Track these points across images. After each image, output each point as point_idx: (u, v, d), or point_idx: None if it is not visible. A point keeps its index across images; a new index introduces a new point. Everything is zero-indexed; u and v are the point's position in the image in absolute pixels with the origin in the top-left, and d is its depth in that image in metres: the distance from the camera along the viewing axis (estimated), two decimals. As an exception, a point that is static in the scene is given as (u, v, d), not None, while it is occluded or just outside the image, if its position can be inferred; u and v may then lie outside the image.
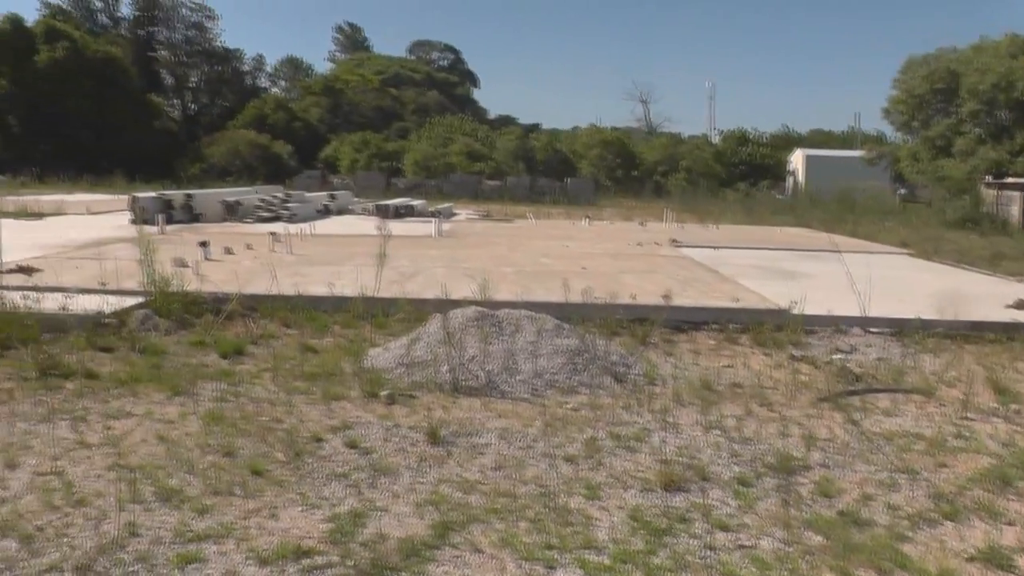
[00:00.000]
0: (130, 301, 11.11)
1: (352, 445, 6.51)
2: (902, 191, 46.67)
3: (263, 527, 5.08)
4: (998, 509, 5.60)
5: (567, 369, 8.36)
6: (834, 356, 9.80)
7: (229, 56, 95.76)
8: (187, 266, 13.98)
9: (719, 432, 7.06)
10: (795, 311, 11.28)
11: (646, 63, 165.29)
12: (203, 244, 16.30)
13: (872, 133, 66.04)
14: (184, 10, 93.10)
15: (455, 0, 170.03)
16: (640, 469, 6.14)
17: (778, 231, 28.65)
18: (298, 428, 6.86)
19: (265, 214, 27.92)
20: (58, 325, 9.78)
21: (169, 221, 24.23)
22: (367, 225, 25.98)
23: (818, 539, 5.07)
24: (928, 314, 11.39)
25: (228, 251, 17.04)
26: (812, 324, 11.21)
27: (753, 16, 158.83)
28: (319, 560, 4.69)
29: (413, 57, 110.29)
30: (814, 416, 7.57)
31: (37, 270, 13.47)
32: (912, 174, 41.86)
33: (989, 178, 33.76)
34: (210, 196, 29.48)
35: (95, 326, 9.93)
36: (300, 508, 5.37)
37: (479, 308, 9.26)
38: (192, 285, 11.74)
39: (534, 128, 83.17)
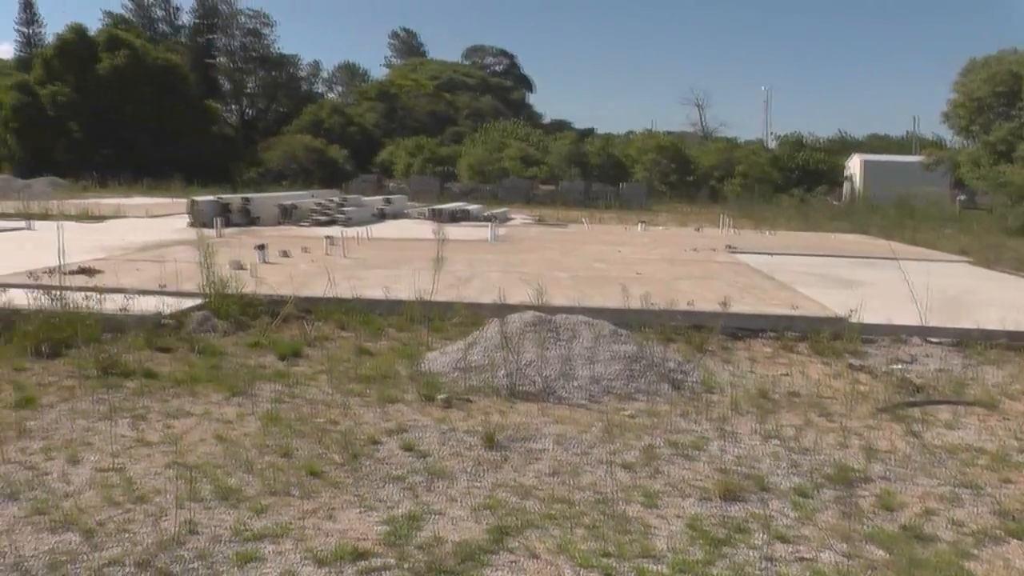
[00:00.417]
0: (188, 303, 11.24)
1: (408, 448, 6.52)
2: (962, 197, 45.86)
3: (320, 528, 5.11)
4: (1065, 526, 5.45)
5: (624, 375, 8.31)
6: (893, 366, 9.65)
7: (285, 62, 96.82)
8: (244, 269, 14.12)
9: (777, 441, 6.96)
10: (853, 319, 11.11)
11: (701, 67, 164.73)
12: (260, 247, 16.45)
13: (931, 138, 65.04)
14: (242, 17, 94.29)
15: (510, 5, 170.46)
16: (698, 478, 6.08)
17: (834, 237, 28.30)
18: (354, 430, 6.88)
19: (321, 218, 28.11)
20: (118, 325, 9.92)
21: (226, 224, 24.48)
22: (422, 229, 26.12)
23: (880, 553, 4.97)
24: (989, 324, 11.15)
25: (284, 254, 17.18)
26: (870, 333, 11.04)
27: (809, 18, 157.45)
28: (376, 562, 4.69)
29: (468, 62, 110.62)
30: (874, 427, 7.44)
31: (98, 271, 13.68)
32: (972, 180, 41.01)
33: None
34: (267, 200, 29.77)
35: (154, 327, 10.06)
36: (357, 510, 5.38)
37: (536, 313, 9.24)
38: (249, 287, 11.85)
39: (588, 133, 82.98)
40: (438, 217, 31.22)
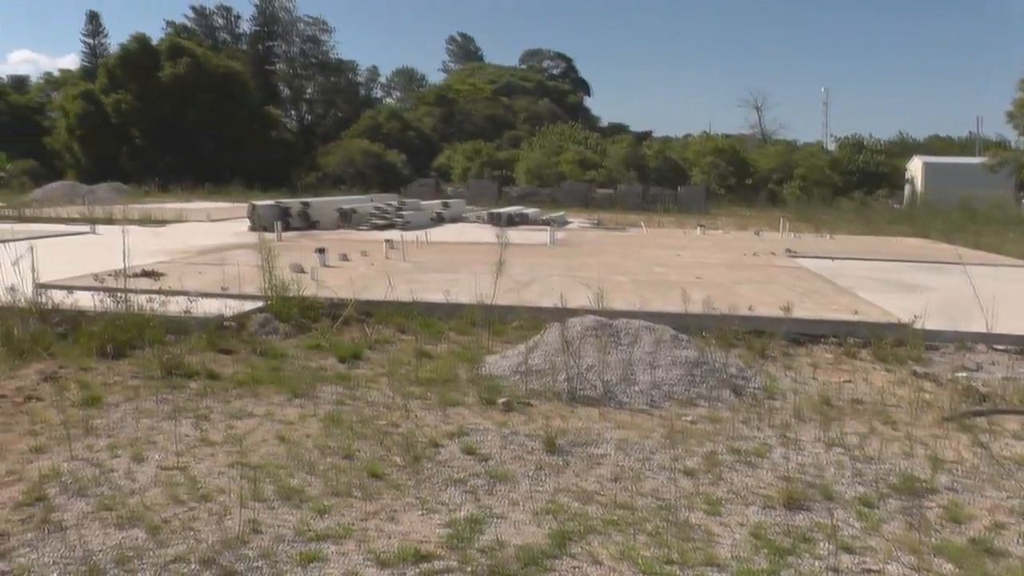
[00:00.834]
0: (250, 305, 11.37)
1: (469, 451, 6.53)
2: (1028, 199, 45.08)
3: (382, 529, 5.13)
4: None
5: (685, 381, 8.26)
6: (959, 374, 9.45)
7: (343, 68, 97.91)
8: (304, 272, 14.24)
9: (841, 450, 6.85)
10: (916, 325, 10.90)
11: (759, 68, 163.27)
12: (320, 251, 16.59)
13: (994, 138, 63.99)
14: (301, 24, 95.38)
15: (567, 9, 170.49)
16: (761, 485, 6.01)
17: (895, 241, 27.88)
18: (415, 433, 6.90)
19: (379, 221, 28.29)
20: (181, 327, 10.06)
21: (286, 228, 24.73)
22: (480, 233, 26.18)
23: (949, 567, 4.86)
24: (1059, 331, 10.93)
25: (344, 258, 17.31)
26: (934, 339, 10.82)
27: (868, 18, 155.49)
28: (438, 564, 4.70)
29: (525, 66, 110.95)
30: (939, 436, 7.26)
31: (161, 274, 13.88)
32: (1038, 181, 40.34)
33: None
34: (326, 204, 30.05)
35: (217, 329, 10.18)
36: (419, 512, 5.39)
37: (597, 317, 9.21)
38: (309, 290, 11.95)
39: (646, 136, 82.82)
40: (496, 221, 31.27)
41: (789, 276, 16.61)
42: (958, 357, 10.36)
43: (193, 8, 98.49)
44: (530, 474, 6.10)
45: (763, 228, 32.71)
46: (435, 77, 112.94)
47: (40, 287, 10.64)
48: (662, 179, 59.41)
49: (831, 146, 70.21)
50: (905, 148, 64.81)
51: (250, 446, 6.51)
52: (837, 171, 60.34)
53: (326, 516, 5.28)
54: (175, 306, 10.39)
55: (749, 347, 10.23)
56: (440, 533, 5.08)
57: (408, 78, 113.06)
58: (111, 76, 68.58)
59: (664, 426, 7.28)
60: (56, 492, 5.56)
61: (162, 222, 28.92)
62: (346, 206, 29.50)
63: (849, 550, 5.03)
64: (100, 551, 4.76)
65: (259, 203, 28.27)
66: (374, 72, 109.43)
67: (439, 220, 32.31)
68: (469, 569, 4.65)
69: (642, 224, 34.46)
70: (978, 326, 11.07)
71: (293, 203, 28.49)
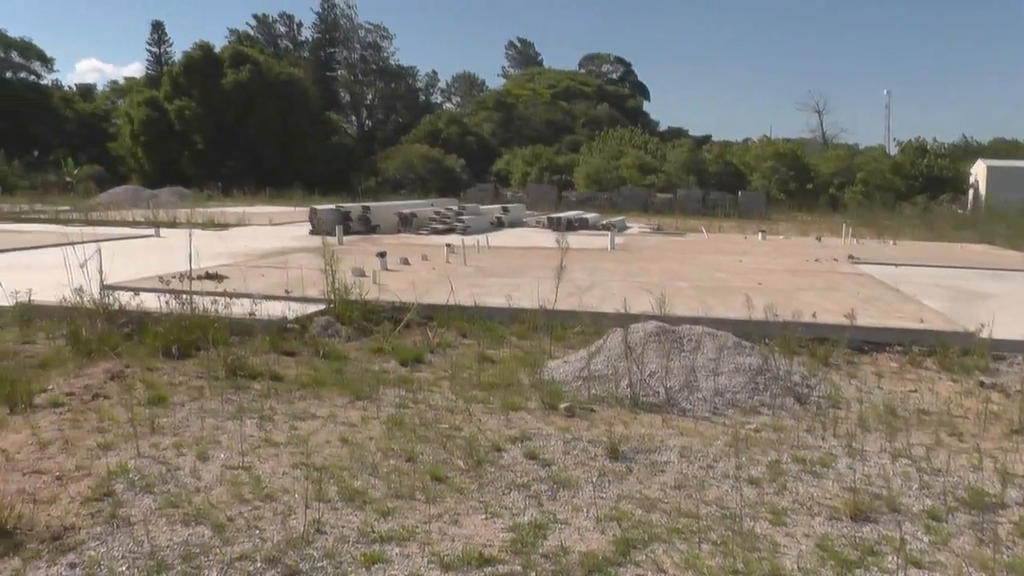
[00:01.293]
0: (312, 308, 11.49)
1: (532, 456, 6.52)
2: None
3: (445, 532, 5.14)
4: None
5: (748, 388, 8.18)
6: (1029, 384, 9.28)
7: (403, 73, 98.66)
8: (365, 275, 14.35)
9: (907, 461, 6.72)
10: (983, 334, 10.71)
11: (819, 72, 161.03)
12: (381, 255, 16.70)
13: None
14: (361, 31, 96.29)
15: (626, 13, 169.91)
16: (826, 496, 5.93)
17: (959, 248, 27.46)
18: (477, 436, 6.91)
19: (439, 226, 28.43)
20: (244, 329, 10.19)
21: (346, 232, 24.95)
22: (540, 238, 26.20)
23: (1022, 583, 4.78)
24: None
25: (404, 261, 17.41)
26: (1001, 349, 10.60)
27: (930, 18, 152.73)
28: (501, 569, 4.70)
29: (584, 71, 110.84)
30: (1009, 449, 7.07)
31: (224, 277, 14.07)
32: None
33: None
34: (386, 208, 30.25)
35: (279, 331, 10.29)
36: (482, 516, 5.40)
37: (659, 323, 9.16)
38: (371, 294, 12.05)
39: (705, 140, 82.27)
40: (556, 226, 31.26)
41: (852, 283, 16.42)
42: (1027, 367, 10.16)
43: (255, 16, 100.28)
44: (593, 480, 6.08)
45: (824, 233, 32.36)
46: (494, 82, 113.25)
47: (107, 288, 10.82)
48: (722, 184, 58.97)
49: (893, 150, 69.20)
50: (969, 151, 63.49)
51: (313, 447, 6.56)
52: (899, 175, 59.42)
53: (389, 518, 5.31)
54: (239, 308, 10.51)
55: (812, 355, 10.11)
56: (503, 537, 5.08)
57: (467, 83, 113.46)
58: (175, 83, 69.86)
59: (727, 434, 7.21)
60: (123, 488, 5.66)
61: (224, 226, 29.32)
62: (406, 210, 29.69)
63: (918, 565, 4.93)
64: (167, 547, 4.84)
65: (320, 207, 28.57)
66: (433, 77, 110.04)
67: (499, 224, 32.39)
68: (533, 574, 4.65)
69: (702, 229, 34.25)
70: (1049, 336, 10.85)
71: (353, 207, 28.73)
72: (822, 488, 6.09)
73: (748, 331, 10.06)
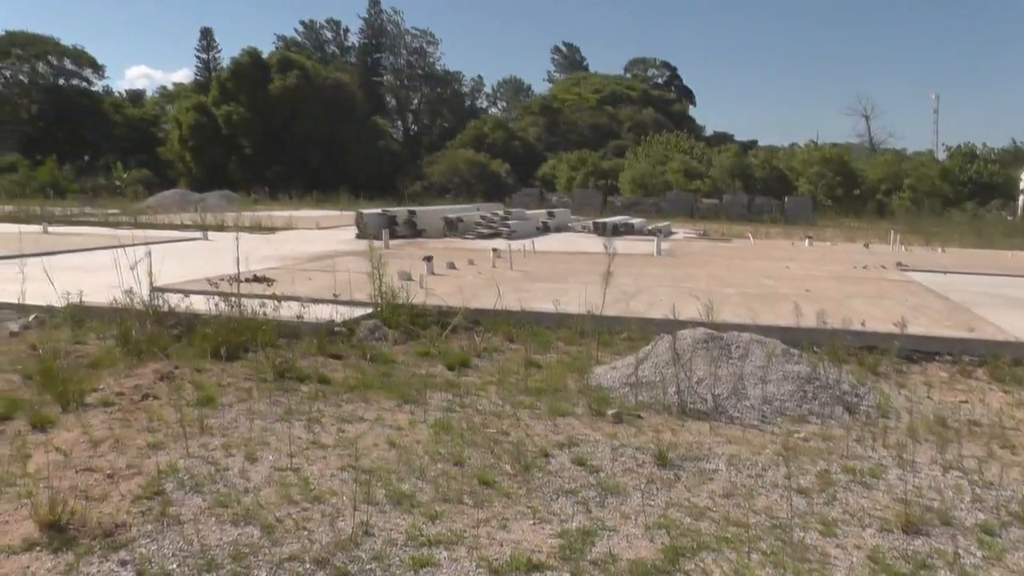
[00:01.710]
0: (359, 311, 11.54)
1: (580, 462, 6.51)
2: None
3: (493, 537, 5.15)
4: None
5: (797, 396, 8.11)
6: (1083, 396, 9.12)
7: (449, 78, 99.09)
8: (412, 280, 14.40)
9: (959, 473, 6.62)
10: (1037, 344, 10.56)
11: (867, 76, 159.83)
12: (427, 259, 16.74)
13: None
14: (408, 36, 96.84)
15: (672, 18, 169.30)
16: (877, 507, 5.86)
17: (1009, 255, 27.01)
18: (525, 442, 6.91)
19: (485, 230, 28.49)
20: (292, 331, 10.28)
21: (393, 236, 25.06)
22: (586, 242, 26.18)
23: (1077, 600, 4.70)
24: None
25: (451, 266, 17.45)
26: (1055, 359, 10.47)
27: (978, 20, 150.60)
28: (550, 575, 4.70)
29: (629, 75, 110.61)
30: (1064, 462, 7.02)
31: (272, 280, 14.20)
32: None
33: None
34: (432, 212, 30.38)
35: (327, 334, 10.33)
36: (530, 521, 5.39)
37: (707, 330, 9.11)
38: (418, 298, 12.07)
39: (751, 145, 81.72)
40: (601, 231, 31.23)
41: (901, 290, 16.23)
42: (1082, 378, 9.98)
43: (303, 22, 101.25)
44: (641, 487, 6.06)
45: (872, 240, 32.02)
46: (540, 87, 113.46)
47: (156, 290, 10.94)
48: (768, 189, 58.59)
49: (942, 155, 68.25)
50: (1019, 157, 62.56)
51: (361, 450, 6.59)
52: (948, 181, 58.56)
53: (437, 522, 5.32)
54: (287, 311, 10.60)
55: (861, 363, 9.99)
56: (552, 543, 5.07)
57: (513, 88, 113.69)
58: (223, 89, 70.74)
59: (776, 442, 7.16)
60: (173, 487, 5.73)
61: (271, 229, 29.58)
62: (452, 215, 29.77)
63: (972, 579, 4.87)
64: (216, 546, 4.89)
65: (366, 211, 28.74)
66: (479, 82, 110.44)
67: (544, 229, 32.39)
68: (581, 581, 4.64)
69: (748, 235, 34.02)
70: (1103, 346, 10.65)
71: (400, 212, 28.89)
72: (872, 499, 6.02)
73: (796, 338, 9.98)
